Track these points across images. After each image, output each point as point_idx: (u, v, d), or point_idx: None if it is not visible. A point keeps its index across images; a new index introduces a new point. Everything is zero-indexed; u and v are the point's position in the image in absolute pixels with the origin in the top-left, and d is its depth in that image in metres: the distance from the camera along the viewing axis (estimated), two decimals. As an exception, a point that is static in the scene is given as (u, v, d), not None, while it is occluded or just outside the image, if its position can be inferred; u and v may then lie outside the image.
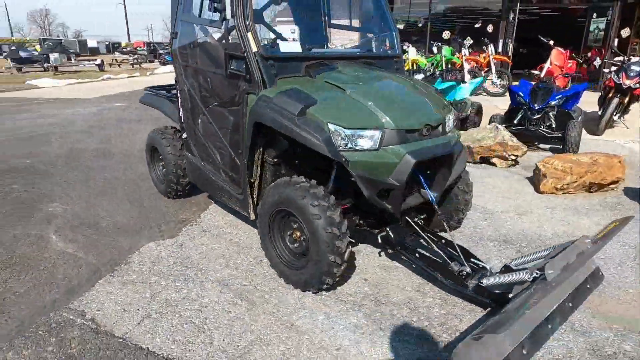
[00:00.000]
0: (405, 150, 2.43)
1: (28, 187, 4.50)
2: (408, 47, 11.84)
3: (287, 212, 2.59)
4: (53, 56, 21.51)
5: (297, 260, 2.68)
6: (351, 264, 2.91)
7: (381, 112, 2.47)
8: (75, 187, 4.53)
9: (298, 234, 2.65)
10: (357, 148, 2.40)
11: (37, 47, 26.99)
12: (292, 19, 4.12)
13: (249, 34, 2.62)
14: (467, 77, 9.38)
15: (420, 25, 15.71)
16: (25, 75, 19.57)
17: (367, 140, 2.41)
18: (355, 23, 4.13)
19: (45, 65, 21.60)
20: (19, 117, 8.72)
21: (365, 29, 4.01)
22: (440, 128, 2.69)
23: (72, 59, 24.95)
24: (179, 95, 3.63)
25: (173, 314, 2.42)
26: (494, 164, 5.32)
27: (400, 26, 14.22)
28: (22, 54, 23.05)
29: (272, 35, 3.82)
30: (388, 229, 2.80)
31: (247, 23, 2.63)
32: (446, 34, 13.85)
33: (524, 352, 1.64)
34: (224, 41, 2.94)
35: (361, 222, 2.93)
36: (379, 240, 2.79)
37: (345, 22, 4.09)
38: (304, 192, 2.43)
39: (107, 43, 50.50)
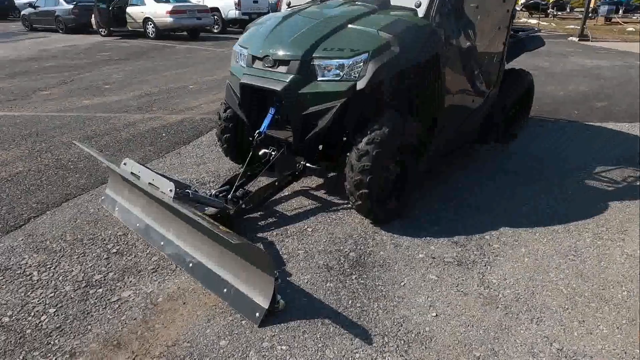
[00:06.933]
0: (244, 73, 2.84)
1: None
2: None
3: None
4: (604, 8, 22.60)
5: None
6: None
7: (257, 38, 2.89)
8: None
9: None
10: (240, 63, 3.00)
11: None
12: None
13: None
14: None
15: None
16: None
17: (243, 58, 2.95)
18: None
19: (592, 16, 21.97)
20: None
21: None
22: (290, 65, 2.59)
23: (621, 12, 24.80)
24: None
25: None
26: None
27: None
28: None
29: None
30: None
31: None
32: None
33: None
34: None
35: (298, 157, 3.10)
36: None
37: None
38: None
39: None
